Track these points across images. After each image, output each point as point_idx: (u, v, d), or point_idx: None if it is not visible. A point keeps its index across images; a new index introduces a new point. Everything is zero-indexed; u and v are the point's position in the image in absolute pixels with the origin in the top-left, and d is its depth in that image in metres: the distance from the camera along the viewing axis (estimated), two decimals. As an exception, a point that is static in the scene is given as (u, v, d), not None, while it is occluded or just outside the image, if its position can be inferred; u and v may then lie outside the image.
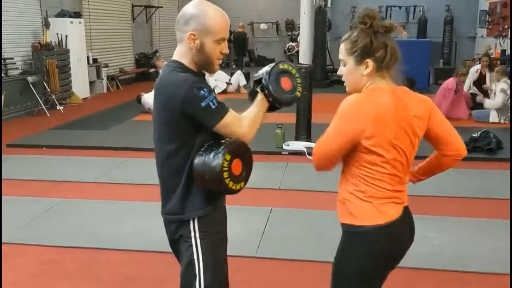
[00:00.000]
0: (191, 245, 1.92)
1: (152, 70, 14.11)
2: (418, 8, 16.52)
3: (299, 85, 2.02)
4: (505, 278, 3.17)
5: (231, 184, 1.83)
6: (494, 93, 7.89)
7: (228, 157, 1.79)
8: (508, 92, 7.66)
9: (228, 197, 2.03)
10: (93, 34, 11.84)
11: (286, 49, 15.82)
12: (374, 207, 1.75)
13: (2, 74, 8.47)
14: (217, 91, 10.69)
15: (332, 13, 15.66)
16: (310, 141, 6.22)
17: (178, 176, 1.88)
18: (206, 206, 1.91)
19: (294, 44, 15.07)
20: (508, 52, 12.91)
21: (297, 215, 4.26)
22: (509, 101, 7.70)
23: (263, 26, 17.97)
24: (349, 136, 1.70)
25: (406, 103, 1.74)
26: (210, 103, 1.77)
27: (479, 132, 6.18)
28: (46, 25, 9.66)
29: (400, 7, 16.52)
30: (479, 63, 9.14)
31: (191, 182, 1.87)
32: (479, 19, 15.69)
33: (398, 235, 1.79)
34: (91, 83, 11.39)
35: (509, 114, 7.72)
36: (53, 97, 9.41)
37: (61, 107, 9.57)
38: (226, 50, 1.89)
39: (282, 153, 6.16)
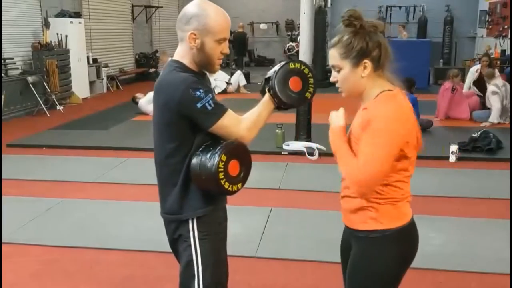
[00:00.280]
0: (190, 245, 1.92)
1: (152, 70, 14.14)
2: (418, 8, 16.53)
3: (311, 86, 1.96)
4: (505, 278, 3.16)
5: (227, 185, 1.82)
6: (488, 98, 7.89)
7: (224, 158, 1.79)
8: (499, 90, 7.69)
9: (228, 197, 2.04)
10: (93, 34, 11.84)
11: (286, 49, 15.82)
12: (396, 209, 1.73)
13: (2, 74, 8.47)
14: (217, 91, 10.70)
15: (332, 13, 15.67)
16: (310, 141, 6.22)
17: (176, 176, 1.88)
18: (204, 206, 1.91)
19: (294, 44, 15.08)
20: (508, 52, 12.91)
21: (297, 215, 4.26)
22: (506, 104, 7.69)
23: (263, 26, 17.97)
24: (397, 148, 1.63)
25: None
26: (207, 104, 1.77)
27: (479, 132, 6.18)
28: (46, 25, 9.66)
29: (400, 7, 16.53)
30: (479, 63, 9.14)
31: (189, 182, 1.87)
32: (479, 19, 15.70)
33: (416, 232, 1.81)
34: (91, 83, 11.39)
35: (509, 113, 7.72)
36: (53, 97, 9.41)
37: (61, 107, 9.58)
38: (226, 50, 1.89)
39: (282, 153, 6.16)
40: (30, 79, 8.90)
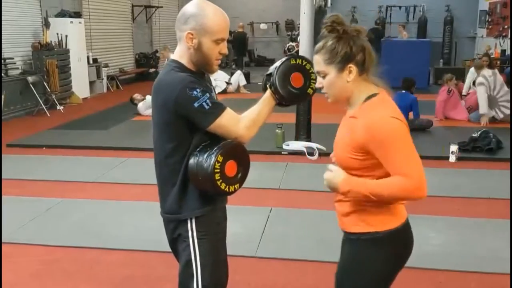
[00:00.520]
0: (189, 245, 1.92)
1: (152, 70, 14.14)
2: (418, 8, 16.52)
3: (313, 81, 1.93)
4: (505, 278, 3.16)
5: (223, 185, 1.81)
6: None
7: (220, 158, 1.78)
8: (486, 81, 7.71)
9: (228, 197, 2.04)
10: (93, 34, 11.84)
11: (286, 49, 15.80)
12: (388, 211, 1.73)
13: (2, 74, 8.47)
14: (217, 91, 10.56)
15: (332, 13, 15.65)
16: (310, 141, 6.23)
17: (175, 176, 1.88)
18: (203, 206, 1.91)
19: (294, 44, 15.07)
20: (508, 52, 12.91)
21: (297, 215, 4.26)
22: (496, 94, 7.71)
23: (263, 26, 17.96)
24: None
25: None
26: (204, 103, 1.77)
27: (479, 132, 6.18)
28: (46, 25, 9.66)
29: (400, 7, 16.53)
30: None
31: (188, 182, 1.87)
32: (479, 19, 15.69)
33: (409, 234, 1.79)
34: (91, 83, 11.39)
35: (500, 105, 7.72)
36: (53, 97, 9.41)
37: (61, 107, 9.58)
38: (225, 51, 1.88)
39: (282, 153, 6.16)
40: (30, 79, 8.90)
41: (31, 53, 9.40)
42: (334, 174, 1.71)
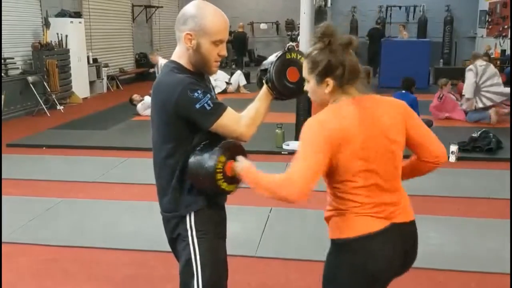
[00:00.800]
0: (188, 244, 1.92)
1: (152, 70, 14.13)
2: (418, 8, 16.52)
3: None
4: (505, 278, 3.17)
5: (224, 185, 1.83)
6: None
7: (222, 158, 1.79)
8: (475, 68, 7.79)
9: (228, 197, 2.04)
10: (93, 34, 11.84)
11: (286, 49, 15.77)
12: (345, 221, 1.71)
13: (2, 74, 8.48)
14: (217, 91, 10.65)
15: (332, 13, 15.67)
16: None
17: (174, 175, 1.89)
18: (200, 201, 1.92)
19: (294, 44, 15.08)
20: (508, 52, 12.91)
21: (297, 215, 4.26)
22: (481, 82, 7.74)
23: (263, 26, 17.96)
24: (319, 153, 1.62)
25: (373, 111, 1.69)
26: (205, 104, 1.77)
27: (479, 132, 6.18)
28: (46, 25, 9.67)
29: (400, 7, 16.53)
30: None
31: (186, 181, 1.88)
32: (479, 19, 15.70)
33: (372, 252, 1.68)
34: (91, 83, 11.39)
35: (483, 95, 7.76)
36: (53, 97, 9.42)
37: (61, 107, 9.58)
38: (224, 53, 1.88)
39: (282, 153, 6.16)
40: (30, 79, 8.90)
41: (31, 53, 9.40)
42: (240, 163, 1.82)
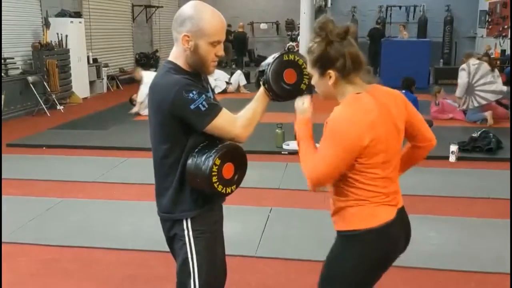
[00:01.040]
0: (185, 244, 1.92)
1: (152, 70, 14.13)
2: (418, 8, 16.53)
3: (306, 77, 1.92)
4: (505, 278, 3.17)
5: (220, 187, 1.83)
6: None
7: (218, 161, 1.79)
8: (467, 68, 7.78)
9: (228, 197, 2.03)
10: (93, 34, 11.84)
11: (286, 49, 15.84)
12: (368, 210, 1.76)
13: (2, 74, 8.48)
14: (217, 90, 10.68)
15: (332, 13, 15.66)
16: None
17: (171, 176, 1.89)
18: (198, 207, 1.91)
19: (294, 44, 15.09)
20: (508, 52, 12.92)
21: (297, 215, 4.26)
22: (474, 82, 7.74)
23: (263, 26, 17.97)
24: (348, 150, 1.67)
25: (385, 102, 1.75)
26: (200, 105, 1.77)
27: (479, 132, 6.18)
28: (46, 25, 9.66)
29: (400, 7, 16.53)
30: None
31: (184, 182, 1.88)
32: (479, 19, 15.71)
33: (391, 237, 1.79)
34: (91, 83, 11.39)
35: (477, 95, 7.75)
36: (53, 97, 9.41)
37: (61, 107, 9.58)
38: (221, 53, 1.88)
39: (282, 152, 6.16)
40: (30, 79, 8.90)
41: (31, 53, 9.40)
42: (303, 107, 1.89)
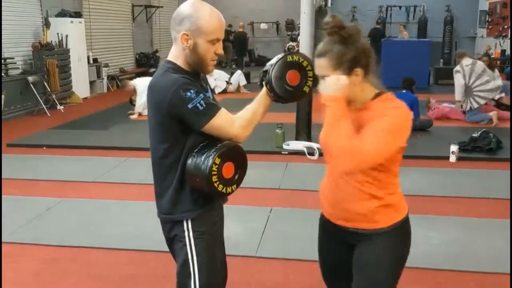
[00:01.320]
0: (185, 245, 1.91)
1: (152, 69, 14.14)
2: (418, 8, 16.53)
3: (310, 79, 1.88)
4: (505, 278, 3.16)
5: (220, 187, 1.81)
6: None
7: (218, 160, 1.78)
8: (462, 69, 7.77)
9: (228, 197, 2.03)
10: (93, 34, 11.84)
11: (286, 49, 15.83)
12: (402, 197, 1.85)
13: (2, 74, 8.48)
14: (217, 90, 10.68)
15: (333, 13, 15.65)
16: (310, 141, 6.23)
17: (170, 176, 1.88)
18: (198, 208, 1.90)
19: (294, 44, 15.09)
20: (508, 52, 12.92)
21: (297, 215, 4.26)
22: (471, 83, 7.73)
23: (263, 26, 17.97)
24: (400, 144, 1.70)
25: None
26: (198, 104, 1.76)
27: (479, 132, 6.17)
28: (47, 24, 9.67)
29: (400, 7, 16.54)
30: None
31: (184, 182, 1.86)
32: (479, 19, 15.71)
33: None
34: (91, 83, 11.39)
35: (473, 97, 7.76)
36: (53, 96, 9.41)
37: (61, 107, 9.58)
38: (220, 51, 1.86)
39: (282, 153, 6.16)
40: (30, 78, 8.90)
41: (31, 53, 9.40)
42: (338, 83, 1.68)
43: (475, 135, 6.15)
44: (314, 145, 5.95)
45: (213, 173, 1.77)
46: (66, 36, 10.04)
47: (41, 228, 4.05)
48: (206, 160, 1.77)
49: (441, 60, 14.48)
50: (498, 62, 12.01)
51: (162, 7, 15.45)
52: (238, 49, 16.29)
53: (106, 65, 12.19)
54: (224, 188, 1.83)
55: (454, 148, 5.77)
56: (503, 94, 8.34)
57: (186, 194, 1.89)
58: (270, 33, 18.18)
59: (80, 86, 10.66)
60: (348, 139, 1.61)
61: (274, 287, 3.14)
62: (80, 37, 10.71)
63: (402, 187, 1.88)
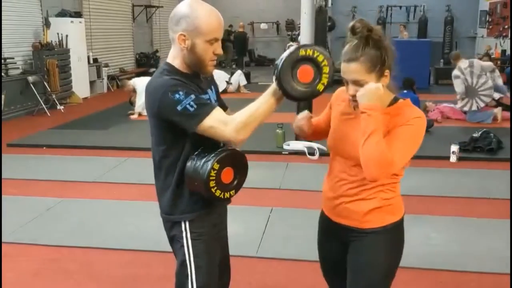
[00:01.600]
0: (183, 246, 1.90)
1: (152, 69, 14.14)
2: (418, 8, 16.52)
3: (325, 75, 1.69)
4: (505, 278, 3.16)
5: (218, 192, 1.79)
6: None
7: (216, 166, 1.74)
8: (461, 74, 7.77)
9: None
10: (93, 34, 11.84)
11: (286, 48, 15.82)
12: (401, 198, 1.87)
13: (3, 74, 8.47)
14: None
15: (333, 13, 15.67)
16: (310, 141, 6.22)
17: (169, 177, 1.87)
18: (197, 210, 1.89)
19: (294, 43, 15.09)
20: (508, 52, 12.92)
21: (297, 215, 4.26)
22: (475, 84, 7.72)
23: (263, 26, 17.96)
24: (417, 148, 1.74)
25: None
26: (187, 106, 1.70)
27: (480, 132, 6.18)
28: (47, 24, 9.67)
29: (400, 7, 16.53)
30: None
31: (182, 184, 1.85)
32: (479, 19, 15.71)
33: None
34: (92, 83, 11.39)
35: (478, 97, 7.75)
36: (54, 96, 9.41)
37: (62, 107, 9.58)
38: (219, 51, 1.82)
39: (283, 152, 6.16)
40: (30, 78, 8.90)
41: (31, 52, 9.40)
42: (376, 92, 1.65)
43: (475, 135, 6.15)
44: (315, 145, 5.94)
45: (211, 178, 1.74)
46: (66, 36, 10.04)
47: (41, 228, 4.05)
48: (205, 165, 1.74)
49: (441, 60, 14.46)
50: (499, 62, 12.00)
51: (162, 7, 15.45)
52: (238, 49, 16.29)
53: (106, 65, 12.19)
54: (222, 193, 1.80)
55: (454, 148, 5.77)
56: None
57: (185, 196, 1.87)
58: (270, 33, 18.18)
59: (80, 86, 10.66)
60: (380, 152, 1.62)
61: (274, 287, 3.14)
62: (80, 37, 10.71)
63: (402, 187, 1.88)
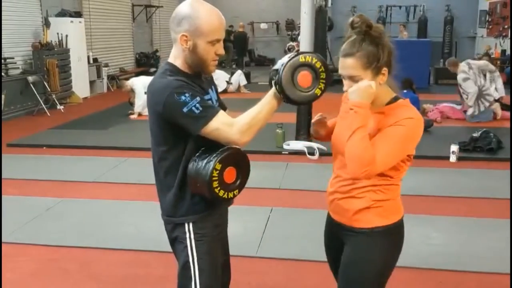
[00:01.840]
0: (186, 247, 1.89)
1: (152, 69, 14.15)
2: (418, 8, 16.53)
3: (322, 81, 1.78)
4: (505, 278, 3.16)
5: (221, 193, 1.78)
6: (460, 87, 7.94)
7: (218, 166, 1.74)
8: (469, 75, 7.75)
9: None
10: (93, 34, 11.84)
11: (286, 48, 15.82)
12: (397, 203, 1.84)
13: (2, 74, 8.47)
14: (217, 90, 10.67)
15: (332, 13, 15.68)
16: (310, 140, 6.22)
17: (170, 178, 1.86)
18: (199, 212, 1.88)
19: (294, 43, 15.08)
20: (508, 52, 12.92)
21: (297, 215, 4.26)
22: (480, 86, 7.72)
23: (263, 25, 17.97)
24: (409, 151, 1.73)
25: None
26: (193, 108, 1.70)
27: (480, 132, 6.18)
28: (47, 24, 9.66)
29: (400, 6, 16.54)
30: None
31: (184, 185, 1.84)
32: (479, 19, 15.71)
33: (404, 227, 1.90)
34: (91, 83, 11.39)
35: (484, 97, 7.75)
36: (53, 96, 9.41)
37: (61, 107, 9.57)
38: (221, 51, 1.81)
39: (282, 152, 6.16)
40: (30, 78, 8.90)
41: (31, 52, 9.40)
42: (366, 90, 1.64)
43: (475, 135, 6.15)
44: (314, 145, 5.95)
45: (213, 178, 1.74)
46: (66, 36, 10.03)
47: (40, 228, 4.05)
48: (207, 166, 1.74)
49: (441, 60, 14.45)
50: (498, 62, 12.00)
51: (162, 7, 15.45)
52: (238, 49, 16.30)
53: (106, 65, 12.19)
54: (226, 193, 1.80)
55: (454, 148, 5.77)
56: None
57: (187, 197, 1.86)
58: (270, 33, 18.18)
59: (80, 86, 10.66)
60: (363, 149, 1.62)
61: (274, 287, 3.14)
62: (80, 37, 10.70)
63: (402, 187, 1.88)
